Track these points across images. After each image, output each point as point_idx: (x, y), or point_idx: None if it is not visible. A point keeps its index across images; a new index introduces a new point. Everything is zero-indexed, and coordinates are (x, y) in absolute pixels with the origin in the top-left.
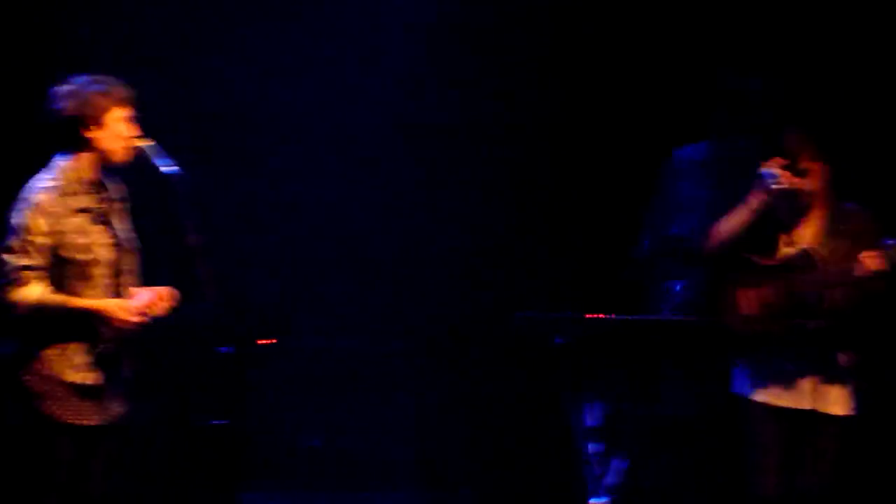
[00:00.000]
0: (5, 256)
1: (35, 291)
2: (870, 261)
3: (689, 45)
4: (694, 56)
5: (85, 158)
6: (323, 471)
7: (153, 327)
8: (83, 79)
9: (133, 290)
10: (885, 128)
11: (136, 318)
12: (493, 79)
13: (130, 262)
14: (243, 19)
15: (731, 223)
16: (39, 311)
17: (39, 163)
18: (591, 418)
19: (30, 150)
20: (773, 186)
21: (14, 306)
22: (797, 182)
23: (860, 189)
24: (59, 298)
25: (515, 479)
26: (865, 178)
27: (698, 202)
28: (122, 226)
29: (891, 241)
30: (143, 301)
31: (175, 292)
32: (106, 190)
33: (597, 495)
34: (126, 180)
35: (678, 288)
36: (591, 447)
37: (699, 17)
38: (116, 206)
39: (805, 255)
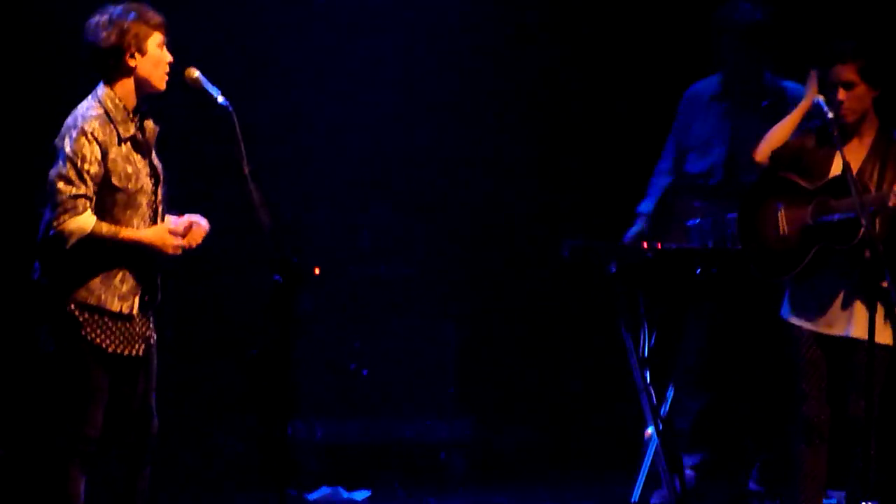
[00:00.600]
0: (61, 185)
1: (90, 221)
2: (873, 190)
3: None
4: None
5: (127, 86)
6: (369, 398)
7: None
8: (118, 8)
9: (169, 217)
10: None
11: (180, 244)
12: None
13: (162, 194)
14: None
15: (781, 129)
16: (91, 240)
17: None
18: (646, 346)
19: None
20: (828, 115)
21: (69, 235)
22: (847, 105)
23: None
24: (112, 229)
25: (569, 410)
26: None
27: (713, 137)
28: (156, 156)
29: None
30: (182, 228)
31: (205, 220)
32: (147, 118)
33: (652, 424)
34: (181, 109)
35: (700, 224)
36: (647, 375)
37: None
38: (153, 135)
39: (844, 180)
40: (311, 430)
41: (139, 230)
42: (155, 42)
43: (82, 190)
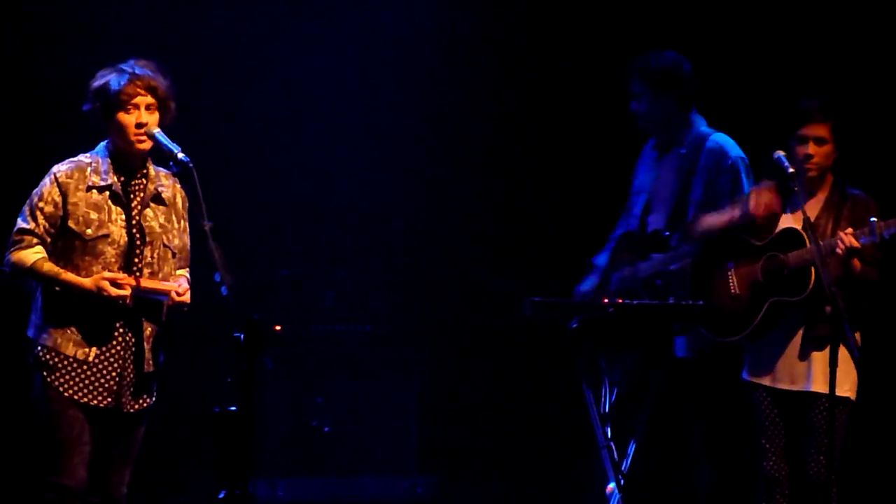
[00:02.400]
0: (18, 220)
1: (32, 257)
2: (845, 237)
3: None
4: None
5: (114, 144)
6: (332, 455)
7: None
8: (99, 74)
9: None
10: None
11: (119, 294)
12: (503, 76)
13: (156, 257)
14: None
15: (718, 221)
16: (31, 275)
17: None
18: (607, 403)
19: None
20: (789, 170)
21: (10, 267)
22: (815, 161)
23: (863, 178)
24: (54, 269)
25: (531, 466)
26: (869, 166)
27: (643, 186)
28: (157, 218)
29: (876, 220)
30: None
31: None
32: (146, 179)
33: (614, 480)
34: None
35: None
36: (608, 432)
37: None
38: (153, 195)
39: (792, 233)
40: (273, 488)
41: (78, 276)
42: (120, 109)
43: (31, 226)
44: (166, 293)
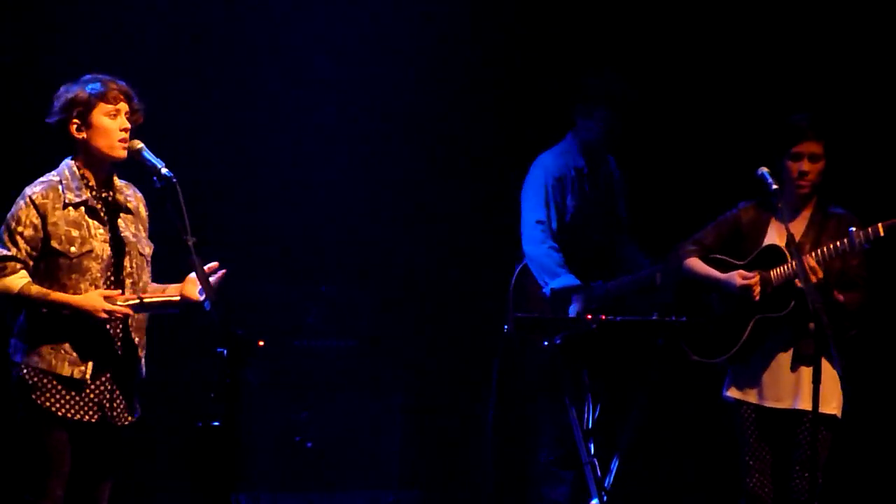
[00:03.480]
0: None
1: (18, 282)
2: (808, 260)
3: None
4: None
5: (87, 156)
6: (315, 470)
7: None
8: (72, 83)
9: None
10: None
11: (114, 311)
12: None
13: (135, 266)
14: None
15: (703, 274)
16: (20, 301)
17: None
18: (590, 419)
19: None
20: (773, 186)
21: None
22: (809, 178)
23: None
24: (42, 291)
25: (516, 482)
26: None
27: (578, 207)
28: (128, 228)
29: (854, 230)
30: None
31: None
32: (112, 190)
33: (597, 496)
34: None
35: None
36: (591, 447)
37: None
38: (121, 206)
39: (773, 250)
40: (256, 503)
41: (69, 294)
42: (101, 112)
43: (12, 252)
44: (173, 304)
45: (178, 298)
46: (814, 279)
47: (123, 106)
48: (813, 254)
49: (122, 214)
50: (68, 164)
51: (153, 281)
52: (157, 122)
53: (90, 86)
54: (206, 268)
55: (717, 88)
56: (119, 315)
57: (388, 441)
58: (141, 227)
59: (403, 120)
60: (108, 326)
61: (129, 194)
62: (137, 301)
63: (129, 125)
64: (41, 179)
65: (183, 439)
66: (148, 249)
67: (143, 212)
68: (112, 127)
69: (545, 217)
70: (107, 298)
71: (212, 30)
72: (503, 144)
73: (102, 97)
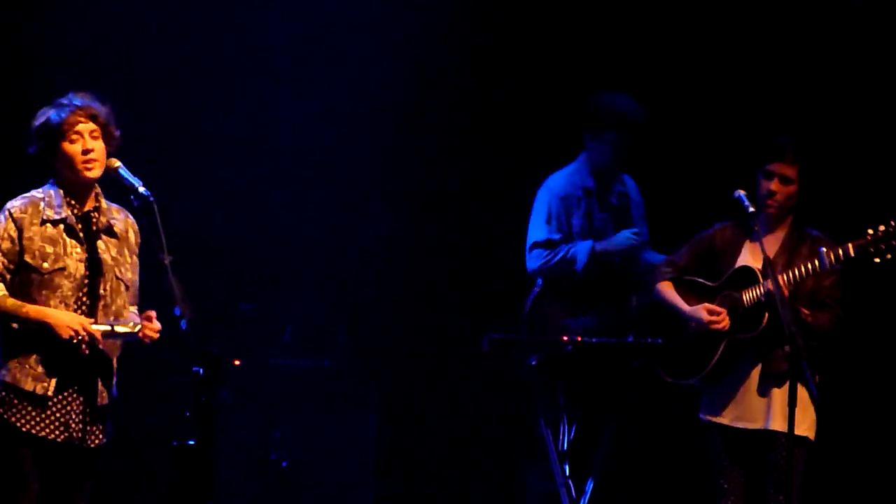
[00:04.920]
0: None
1: None
2: (780, 278)
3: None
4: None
5: (66, 180)
6: (290, 489)
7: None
8: (39, 113)
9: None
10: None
11: (83, 333)
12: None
13: (109, 290)
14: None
15: (666, 301)
16: None
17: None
18: (565, 440)
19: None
20: (749, 209)
21: None
22: (778, 198)
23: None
24: (16, 304)
25: (489, 501)
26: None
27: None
28: (109, 251)
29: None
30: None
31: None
32: (98, 212)
33: None
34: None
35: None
36: (566, 469)
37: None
38: (104, 228)
39: (744, 272)
40: None
41: (45, 308)
42: (62, 139)
43: None
44: (134, 334)
45: (136, 321)
46: (781, 282)
47: (86, 127)
48: (784, 275)
49: (103, 236)
50: (52, 184)
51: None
52: (133, 140)
53: (53, 112)
54: (143, 315)
55: (705, 108)
56: (84, 336)
57: (363, 460)
58: (127, 252)
59: (380, 143)
60: (76, 345)
61: (119, 218)
62: (108, 328)
63: (93, 145)
64: (24, 195)
65: (158, 458)
66: (130, 275)
67: (133, 238)
68: (73, 151)
69: (545, 237)
70: (82, 326)
71: (192, 41)
72: (484, 166)
73: (62, 123)
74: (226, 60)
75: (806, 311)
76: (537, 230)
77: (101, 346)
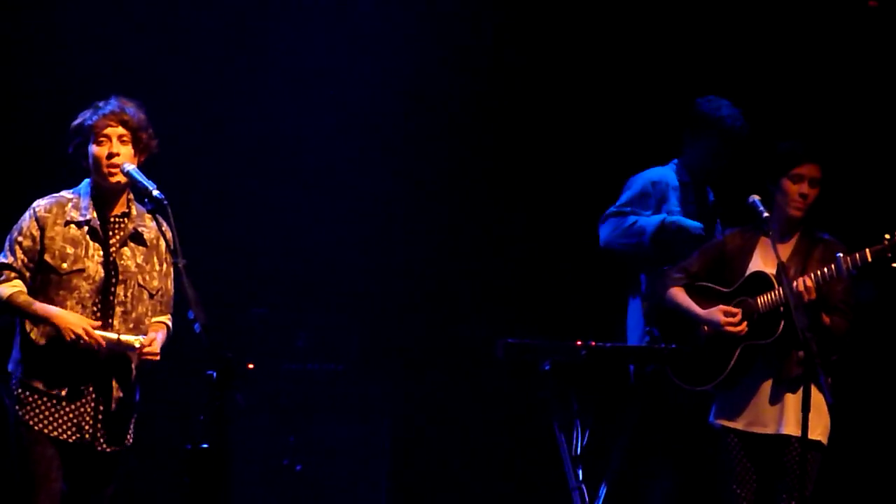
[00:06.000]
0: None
1: (8, 290)
2: (801, 283)
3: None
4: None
5: (93, 182)
6: (303, 494)
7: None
8: (88, 107)
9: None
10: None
11: (86, 338)
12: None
13: (130, 297)
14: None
15: (679, 305)
16: (7, 308)
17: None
18: (579, 445)
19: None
20: (764, 214)
21: None
22: (808, 201)
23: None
24: (25, 301)
25: None
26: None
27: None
28: (134, 258)
29: (842, 255)
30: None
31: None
32: (127, 218)
33: None
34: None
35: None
36: (579, 473)
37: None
38: (132, 234)
39: (759, 278)
40: None
41: (51, 306)
42: (92, 141)
43: (9, 259)
44: (133, 348)
45: (140, 339)
46: (806, 298)
47: (114, 131)
48: (810, 275)
49: (130, 243)
50: (86, 185)
51: None
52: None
53: (88, 114)
54: (141, 340)
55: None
56: (91, 343)
57: (377, 465)
58: (154, 260)
59: (392, 146)
60: (81, 347)
61: (149, 226)
62: (114, 337)
63: (119, 150)
64: (54, 194)
65: (172, 462)
66: (156, 283)
67: (163, 246)
68: (99, 154)
69: (618, 208)
70: (86, 332)
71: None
72: (495, 168)
73: (92, 126)
74: (244, 64)
75: (826, 317)
76: (618, 203)
77: (103, 352)
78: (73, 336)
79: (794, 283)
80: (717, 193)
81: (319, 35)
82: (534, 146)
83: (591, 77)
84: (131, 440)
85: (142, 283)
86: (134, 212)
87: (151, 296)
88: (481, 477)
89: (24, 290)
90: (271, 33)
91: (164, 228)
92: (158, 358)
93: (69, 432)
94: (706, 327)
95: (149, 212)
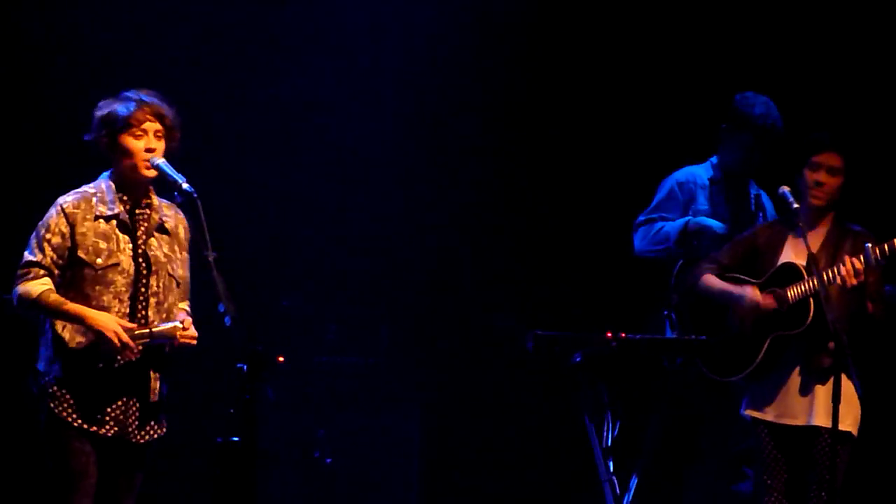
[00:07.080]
0: (25, 253)
1: (38, 288)
2: (847, 262)
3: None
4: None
5: (117, 174)
6: (333, 488)
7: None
8: (106, 102)
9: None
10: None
11: (126, 340)
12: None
13: (162, 287)
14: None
15: (712, 289)
16: (36, 307)
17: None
18: (609, 436)
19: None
20: (794, 205)
21: (17, 299)
22: (826, 189)
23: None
24: (57, 300)
25: (533, 500)
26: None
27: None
28: (161, 248)
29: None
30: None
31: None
32: (149, 208)
33: None
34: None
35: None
36: (610, 465)
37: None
38: (156, 225)
39: (789, 268)
40: None
41: (85, 307)
42: (127, 132)
43: (38, 258)
44: (171, 336)
45: (177, 325)
46: (849, 284)
47: (152, 126)
48: (831, 270)
49: (156, 234)
50: (105, 178)
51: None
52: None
53: (121, 105)
54: (177, 325)
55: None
56: (126, 354)
57: (407, 458)
58: (178, 249)
59: (424, 137)
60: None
61: (170, 215)
62: (147, 337)
63: (155, 145)
64: (76, 190)
65: (203, 455)
66: (181, 272)
67: (183, 234)
68: (136, 148)
69: (646, 217)
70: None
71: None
72: (515, 158)
73: (129, 118)
74: (270, 54)
75: (870, 305)
76: (647, 211)
77: (137, 352)
78: (113, 336)
79: (841, 266)
80: (763, 187)
81: (351, 28)
82: (569, 138)
83: (634, 70)
84: (165, 429)
85: (171, 272)
86: (155, 202)
87: (178, 284)
88: (512, 469)
89: (53, 287)
90: (301, 22)
91: (181, 217)
92: (196, 342)
93: (108, 426)
94: (742, 304)
95: (178, 205)
